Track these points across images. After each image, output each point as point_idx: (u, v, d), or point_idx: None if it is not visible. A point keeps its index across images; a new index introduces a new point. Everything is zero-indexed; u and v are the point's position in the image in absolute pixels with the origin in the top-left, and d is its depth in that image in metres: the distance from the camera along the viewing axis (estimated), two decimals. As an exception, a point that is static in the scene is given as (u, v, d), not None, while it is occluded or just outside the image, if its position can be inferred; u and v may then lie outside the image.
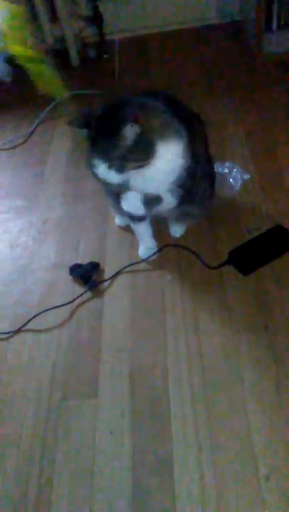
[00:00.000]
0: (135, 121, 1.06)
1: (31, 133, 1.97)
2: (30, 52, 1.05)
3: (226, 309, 1.26)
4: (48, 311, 1.33)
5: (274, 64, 2.06)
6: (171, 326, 1.25)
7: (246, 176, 1.57)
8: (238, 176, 1.56)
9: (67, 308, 1.33)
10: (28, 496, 1.02)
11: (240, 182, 1.55)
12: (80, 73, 2.29)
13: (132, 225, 1.39)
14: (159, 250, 1.41)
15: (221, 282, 1.32)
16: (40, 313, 1.32)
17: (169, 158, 1.13)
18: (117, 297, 1.35)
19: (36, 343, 1.28)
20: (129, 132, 1.07)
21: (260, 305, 1.25)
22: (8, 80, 1.10)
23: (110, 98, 1.16)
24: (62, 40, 2.21)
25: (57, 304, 1.33)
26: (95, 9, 2.22)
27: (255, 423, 1.05)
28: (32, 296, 1.39)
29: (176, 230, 1.44)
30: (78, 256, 1.47)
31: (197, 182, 1.25)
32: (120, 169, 1.11)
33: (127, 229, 1.48)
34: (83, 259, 1.44)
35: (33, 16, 2.13)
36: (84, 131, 1.12)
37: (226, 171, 1.57)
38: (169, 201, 1.24)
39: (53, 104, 2.00)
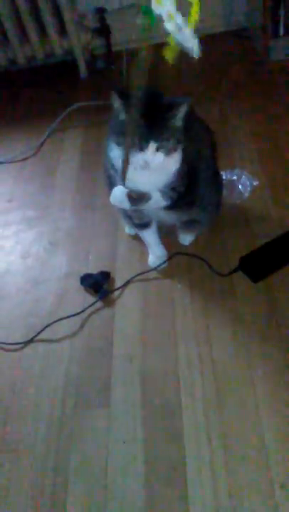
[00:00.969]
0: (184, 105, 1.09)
1: (41, 144, 1.99)
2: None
3: (236, 317, 1.26)
4: (60, 321, 1.34)
5: (281, 70, 2.06)
6: (182, 334, 1.25)
7: (255, 183, 1.57)
8: (247, 183, 1.56)
9: (79, 318, 1.34)
10: (42, 505, 1.03)
11: (249, 188, 1.55)
12: (88, 84, 2.31)
13: (139, 233, 1.39)
14: (169, 259, 1.41)
15: (232, 290, 1.32)
16: (52, 324, 1.33)
17: (168, 161, 1.13)
18: (127, 306, 1.36)
19: (48, 353, 1.29)
20: (182, 112, 1.09)
21: (272, 312, 1.24)
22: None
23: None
24: (70, 51, 2.24)
25: (68, 314, 1.34)
26: (103, 21, 2.25)
27: (268, 430, 1.04)
28: (44, 306, 1.40)
29: (185, 238, 1.45)
30: (89, 266, 1.48)
31: (197, 184, 1.25)
32: (168, 151, 1.11)
33: (137, 238, 1.48)
34: (94, 269, 1.45)
35: (42, 29, 2.16)
36: (121, 103, 1.12)
37: (235, 177, 1.57)
38: (157, 200, 1.22)
39: (62, 115, 2.02)
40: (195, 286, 1.35)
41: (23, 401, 1.20)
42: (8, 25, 2.14)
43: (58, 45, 2.20)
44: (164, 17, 1.02)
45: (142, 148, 1.09)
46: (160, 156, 1.11)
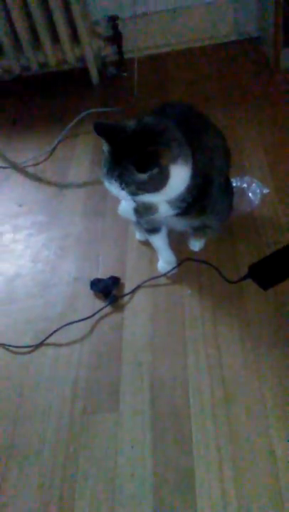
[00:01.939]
0: (157, 163, 1.07)
1: (53, 150, 2.01)
2: None
3: (246, 324, 1.26)
4: (69, 326, 1.34)
5: (292, 79, 2.07)
6: (191, 340, 1.25)
7: (265, 191, 1.57)
8: (258, 191, 1.56)
9: (88, 323, 1.35)
10: (50, 509, 1.03)
11: (259, 196, 1.55)
12: (100, 91, 2.33)
13: (149, 238, 1.40)
14: (179, 265, 1.41)
15: (241, 297, 1.32)
16: (61, 328, 1.34)
17: (175, 182, 1.14)
18: (137, 311, 1.36)
19: (57, 357, 1.30)
20: (151, 175, 1.08)
21: (281, 320, 1.24)
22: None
23: (131, 116, 1.17)
24: (82, 58, 2.26)
25: (78, 318, 1.35)
26: (115, 28, 2.27)
27: (277, 437, 1.04)
28: (53, 311, 1.41)
29: (196, 244, 1.45)
30: (99, 270, 1.49)
31: (210, 192, 1.26)
32: (133, 194, 1.13)
33: (147, 244, 1.49)
34: (104, 274, 1.46)
35: (55, 36, 2.18)
36: (102, 140, 1.12)
37: (245, 185, 1.57)
38: (165, 211, 1.23)
39: (73, 121, 2.04)
40: (204, 293, 1.36)
41: (31, 405, 1.21)
42: (22, 32, 2.16)
43: (70, 52, 2.22)
44: None
45: (110, 182, 1.12)
46: (126, 195, 1.13)
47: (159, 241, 1.39)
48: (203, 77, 2.24)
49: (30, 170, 1.96)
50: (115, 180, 1.11)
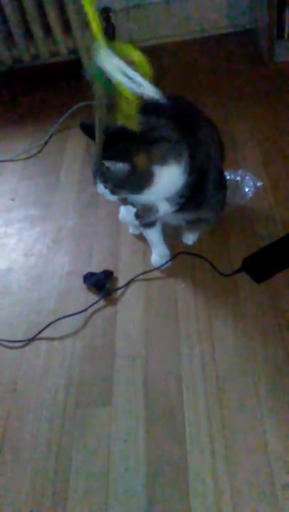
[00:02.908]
0: (127, 159, 1.07)
1: (45, 143, 1.99)
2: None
3: (239, 317, 1.26)
4: (62, 320, 1.34)
5: (286, 71, 2.06)
6: (184, 333, 1.25)
7: (259, 183, 1.56)
8: (251, 184, 1.55)
9: (81, 317, 1.34)
10: (43, 504, 1.02)
11: (253, 189, 1.55)
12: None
13: (143, 231, 1.40)
14: (172, 258, 1.41)
15: (235, 290, 1.32)
16: (54, 322, 1.33)
17: (167, 180, 1.14)
18: (130, 305, 1.36)
19: (50, 351, 1.29)
20: (118, 169, 1.09)
21: (275, 313, 1.24)
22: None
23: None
24: (75, 50, 2.24)
25: (71, 312, 1.34)
26: (107, 20, 2.25)
27: (271, 431, 1.04)
28: (46, 305, 1.40)
29: (189, 237, 1.45)
30: (92, 264, 1.48)
31: (206, 186, 1.25)
32: (114, 193, 1.15)
33: (141, 237, 1.48)
34: (97, 268, 1.45)
35: (47, 28, 2.16)
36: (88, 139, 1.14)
37: (239, 178, 1.57)
38: (165, 209, 1.23)
39: (66, 114, 2.02)
40: (198, 286, 1.35)
41: (24, 399, 1.20)
42: (14, 24, 2.14)
43: (62, 44, 2.20)
44: (115, 71, 0.99)
45: (94, 182, 1.16)
46: (109, 194, 1.16)
47: (154, 235, 1.39)
48: (197, 69, 2.23)
49: (23, 163, 1.94)
50: (99, 180, 1.14)
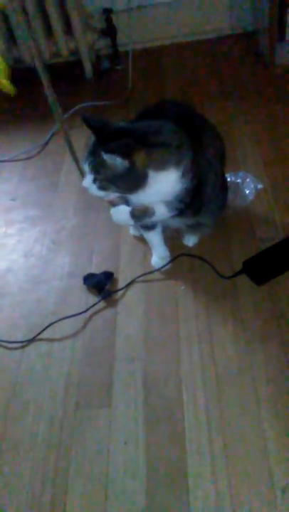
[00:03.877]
0: (127, 155, 1.07)
1: (46, 143, 1.99)
2: None
3: (239, 319, 1.25)
4: (62, 321, 1.33)
5: (287, 73, 2.07)
6: (184, 335, 1.25)
7: (260, 186, 1.56)
8: (252, 186, 1.55)
9: (81, 318, 1.34)
10: (42, 506, 1.02)
11: (253, 192, 1.55)
12: (94, 84, 2.32)
13: (144, 233, 1.39)
14: (173, 260, 1.41)
15: (235, 292, 1.32)
16: (54, 323, 1.33)
17: (163, 184, 1.14)
18: (130, 307, 1.35)
19: (50, 352, 1.29)
20: (115, 164, 1.08)
21: (274, 315, 1.24)
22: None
23: (125, 109, 1.17)
24: (76, 51, 2.24)
25: (71, 314, 1.34)
26: (109, 21, 2.25)
27: (270, 434, 1.04)
28: (46, 306, 1.40)
29: (190, 239, 1.45)
30: (92, 265, 1.48)
31: (205, 193, 1.25)
32: (102, 188, 1.14)
33: (141, 239, 1.48)
34: (97, 269, 1.45)
35: (48, 29, 2.16)
36: (89, 132, 1.14)
37: (240, 180, 1.57)
38: (162, 213, 1.23)
39: (67, 115, 2.02)
40: (198, 288, 1.35)
41: (23, 400, 1.20)
42: (15, 25, 2.14)
43: (64, 45, 2.20)
44: None
45: (83, 175, 1.15)
46: (96, 189, 1.15)
47: (155, 237, 1.38)
48: (198, 71, 2.23)
49: (23, 163, 1.94)
50: (89, 172, 1.13)
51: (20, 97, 2.30)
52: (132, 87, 2.19)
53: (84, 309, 1.35)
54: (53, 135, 2.01)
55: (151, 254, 1.43)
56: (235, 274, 1.34)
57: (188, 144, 1.14)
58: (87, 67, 2.30)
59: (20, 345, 1.32)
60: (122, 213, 1.24)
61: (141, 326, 1.30)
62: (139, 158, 1.09)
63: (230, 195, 1.44)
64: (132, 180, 1.12)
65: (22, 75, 2.38)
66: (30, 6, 2.07)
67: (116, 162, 1.08)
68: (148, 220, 1.26)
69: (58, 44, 2.20)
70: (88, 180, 1.15)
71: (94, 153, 1.12)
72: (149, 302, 1.35)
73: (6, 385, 1.24)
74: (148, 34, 2.39)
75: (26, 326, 1.36)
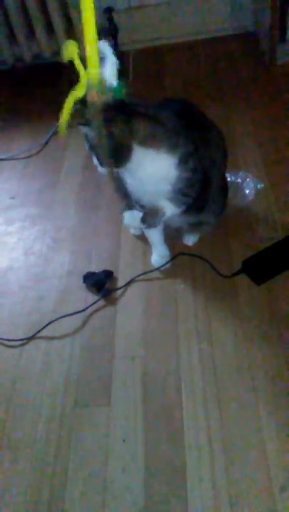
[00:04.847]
0: (106, 123, 1.07)
1: (46, 142, 1.99)
2: None
3: (239, 318, 1.26)
4: (62, 319, 1.34)
5: (288, 73, 2.07)
6: (183, 334, 1.25)
7: (260, 186, 1.57)
8: (252, 186, 1.56)
9: (81, 316, 1.34)
10: (41, 502, 1.02)
11: (253, 191, 1.55)
12: (95, 83, 2.31)
13: (145, 231, 1.40)
14: (173, 259, 1.41)
15: (235, 291, 1.32)
16: (53, 321, 1.33)
17: (157, 168, 1.13)
18: (130, 305, 1.36)
19: (50, 350, 1.29)
20: (90, 130, 1.10)
21: (274, 314, 1.25)
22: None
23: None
24: (77, 51, 2.24)
25: (70, 312, 1.34)
26: (110, 20, 2.25)
27: (269, 432, 1.04)
28: (45, 304, 1.40)
29: (190, 239, 1.45)
30: (92, 264, 1.48)
31: (209, 191, 1.26)
32: (99, 163, 1.15)
33: (141, 237, 1.49)
34: (97, 267, 1.45)
35: (50, 28, 2.16)
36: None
37: (240, 180, 1.57)
38: (170, 211, 1.23)
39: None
40: (198, 287, 1.36)
41: (23, 398, 1.20)
42: (16, 23, 2.14)
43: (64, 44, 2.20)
44: None
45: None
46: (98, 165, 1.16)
47: (155, 235, 1.39)
48: (199, 71, 2.23)
49: (24, 162, 1.94)
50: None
51: (20, 96, 2.31)
52: (133, 86, 2.19)
53: (84, 308, 1.35)
54: (53, 134, 2.01)
55: (150, 253, 1.43)
56: (235, 274, 1.34)
57: (187, 136, 1.13)
58: (88, 66, 2.30)
59: (20, 343, 1.32)
60: (134, 219, 1.24)
61: (140, 325, 1.30)
62: (119, 128, 1.07)
63: (230, 195, 1.44)
64: (116, 152, 1.10)
65: (22, 73, 2.40)
66: (31, 4, 2.07)
67: (90, 128, 1.10)
68: (159, 222, 1.27)
69: (59, 42, 2.20)
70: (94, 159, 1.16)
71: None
72: (149, 301, 1.36)
73: (6, 382, 1.24)
74: (149, 34, 2.39)
75: (26, 323, 1.36)
